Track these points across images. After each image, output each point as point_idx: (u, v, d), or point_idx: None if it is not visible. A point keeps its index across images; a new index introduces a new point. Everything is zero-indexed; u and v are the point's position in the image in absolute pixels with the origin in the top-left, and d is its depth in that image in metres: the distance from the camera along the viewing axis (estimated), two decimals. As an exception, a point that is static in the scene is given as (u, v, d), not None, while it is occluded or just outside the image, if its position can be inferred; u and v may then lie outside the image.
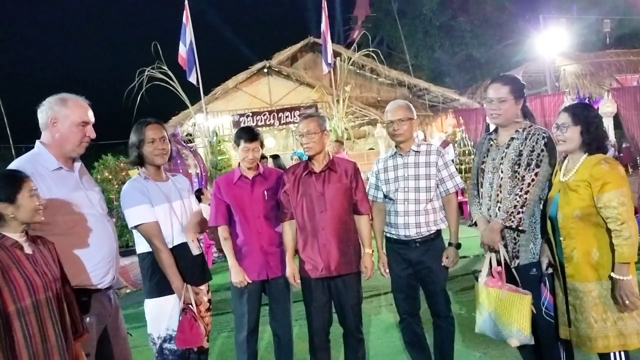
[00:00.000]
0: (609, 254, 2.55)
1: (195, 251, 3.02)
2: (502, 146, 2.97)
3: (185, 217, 3.04)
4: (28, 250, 2.14)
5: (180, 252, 2.94)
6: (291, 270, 3.29)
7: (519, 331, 2.74)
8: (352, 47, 15.38)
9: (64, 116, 2.55)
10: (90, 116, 2.65)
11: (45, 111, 2.56)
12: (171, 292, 2.88)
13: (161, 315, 2.92)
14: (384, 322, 4.87)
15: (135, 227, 2.90)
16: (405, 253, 3.29)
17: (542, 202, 2.87)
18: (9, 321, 1.97)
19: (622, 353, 2.59)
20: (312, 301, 3.25)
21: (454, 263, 3.29)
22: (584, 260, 2.60)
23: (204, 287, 3.08)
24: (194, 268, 3.00)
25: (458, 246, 3.29)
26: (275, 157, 9.37)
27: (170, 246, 2.91)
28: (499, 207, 2.91)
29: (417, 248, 3.26)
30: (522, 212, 2.82)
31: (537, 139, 2.85)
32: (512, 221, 2.82)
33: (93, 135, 2.66)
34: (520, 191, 2.82)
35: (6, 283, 1.98)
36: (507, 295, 2.78)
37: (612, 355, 2.59)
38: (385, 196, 3.38)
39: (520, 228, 2.84)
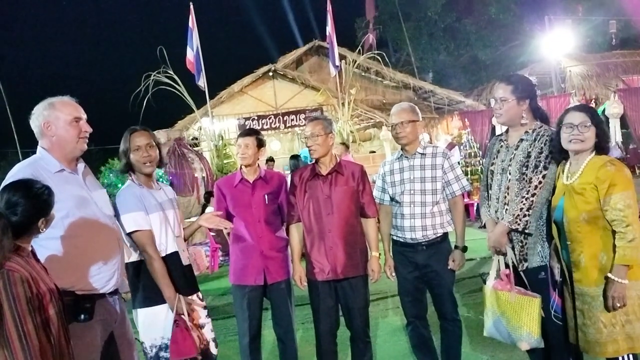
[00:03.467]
0: None
1: (185, 261, 3.00)
2: (511, 147, 2.96)
3: (178, 226, 3.03)
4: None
5: (172, 261, 2.92)
6: (298, 273, 3.30)
7: (529, 334, 2.72)
8: (357, 50, 15.37)
9: (55, 118, 2.56)
10: (81, 111, 2.65)
11: (37, 119, 2.57)
12: (164, 300, 2.84)
13: (155, 323, 2.87)
14: (391, 325, 4.86)
15: (131, 233, 2.85)
16: (412, 256, 3.28)
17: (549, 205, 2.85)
18: (42, 331, 1.94)
19: (631, 356, 2.56)
20: (319, 304, 3.25)
21: (460, 266, 3.29)
22: (592, 264, 2.58)
23: (195, 297, 3.03)
24: (185, 277, 2.98)
25: (464, 249, 3.28)
26: (294, 157, 9.35)
27: (163, 254, 2.88)
28: (506, 209, 2.90)
29: (424, 251, 3.25)
30: (529, 214, 2.80)
31: (546, 140, 2.83)
32: (518, 224, 2.81)
33: (89, 129, 2.66)
34: (527, 194, 2.80)
35: (37, 295, 1.95)
36: (517, 298, 2.77)
37: (620, 359, 2.56)
38: (392, 199, 3.37)
39: (526, 231, 2.82)
